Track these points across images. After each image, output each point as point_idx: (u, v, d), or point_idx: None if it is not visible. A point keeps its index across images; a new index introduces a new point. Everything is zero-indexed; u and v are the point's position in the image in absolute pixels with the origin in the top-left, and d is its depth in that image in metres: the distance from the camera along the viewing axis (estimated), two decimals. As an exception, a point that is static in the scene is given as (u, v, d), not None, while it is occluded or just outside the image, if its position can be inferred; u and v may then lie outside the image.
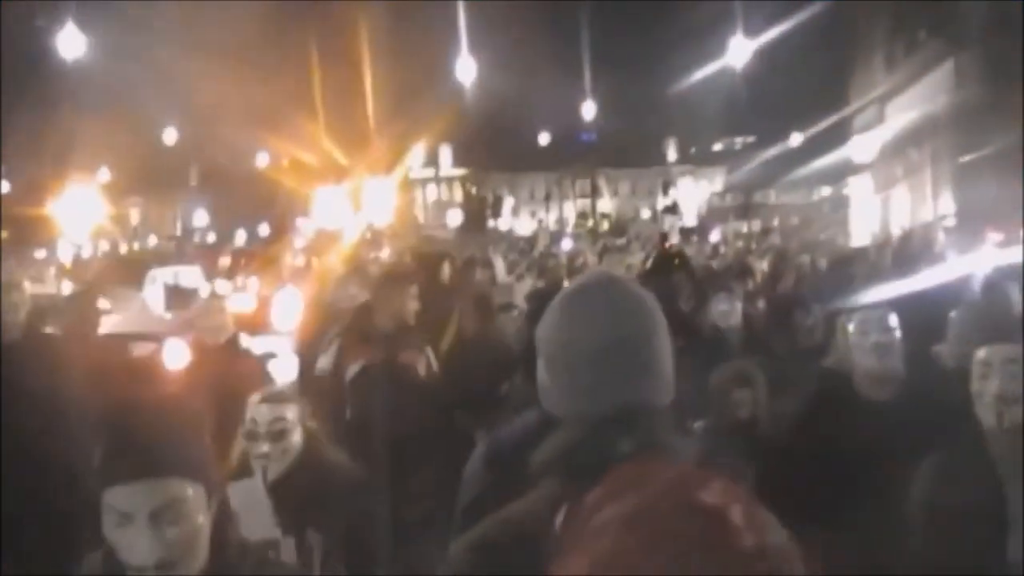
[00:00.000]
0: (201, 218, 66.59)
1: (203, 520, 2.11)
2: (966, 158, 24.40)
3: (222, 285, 19.07)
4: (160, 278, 15.13)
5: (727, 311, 6.84)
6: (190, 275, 17.06)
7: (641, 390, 1.96)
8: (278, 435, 3.78)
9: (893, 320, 4.39)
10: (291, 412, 3.83)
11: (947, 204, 26.28)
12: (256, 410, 3.80)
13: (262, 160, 57.45)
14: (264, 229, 52.86)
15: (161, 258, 26.66)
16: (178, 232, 63.41)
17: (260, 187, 58.93)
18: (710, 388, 5.06)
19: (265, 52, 51.34)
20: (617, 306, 2.00)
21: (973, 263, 11.20)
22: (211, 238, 55.56)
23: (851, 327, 4.45)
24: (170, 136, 45.12)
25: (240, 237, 54.09)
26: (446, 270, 8.02)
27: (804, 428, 4.40)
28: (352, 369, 5.63)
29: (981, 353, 3.46)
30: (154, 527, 2.02)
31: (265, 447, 3.77)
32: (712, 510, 1.80)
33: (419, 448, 5.29)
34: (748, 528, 1.80)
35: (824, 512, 3.41)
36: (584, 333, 1.98)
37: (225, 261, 24.84)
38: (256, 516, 3.52)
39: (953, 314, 4.85)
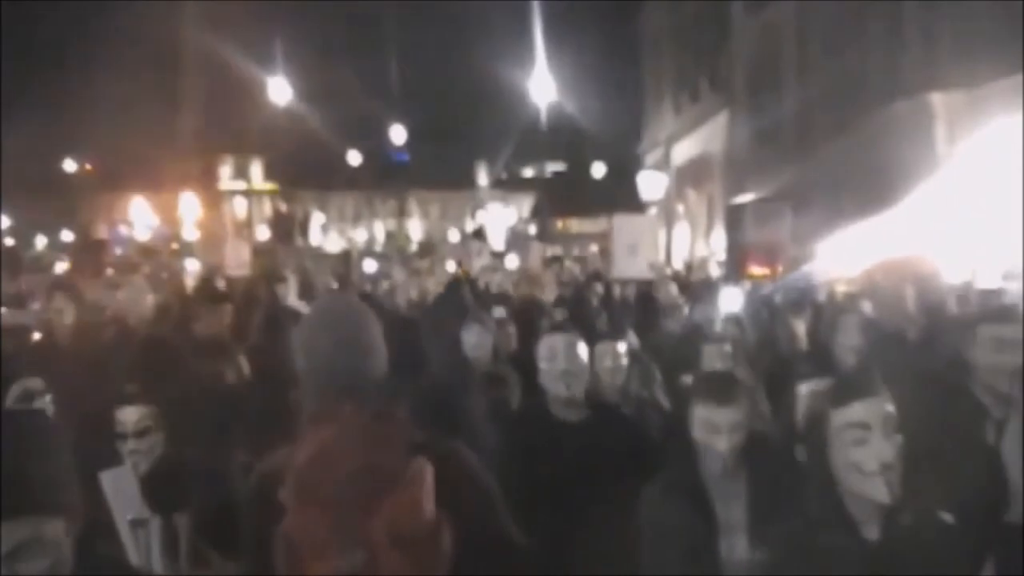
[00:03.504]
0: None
1: (65, 550, 2.09)
2: (734, 200, 26.28)
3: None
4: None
5: (476, 343, 6.67)
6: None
7: (355, 372, 2.78)
8: (143, 432, 4.06)
9: (581, 348, 4.50)
10: (151, 413, 4.11)
11: (719, 241, 28.24)
12: (122, 412, 4.09)
13: (68, 166, 55.96)
14: (67, 235, 51.46)
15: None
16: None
17: (64, 193, 57.20)
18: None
19: (75, 53, 50.11)
20: (342, 317, 2.89)
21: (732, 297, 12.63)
22: (8, 242, 53.52)
23: (540, 352, 4.56)
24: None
25: (40, 242, 52.49)
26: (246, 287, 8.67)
27: (506, 442, 4.45)
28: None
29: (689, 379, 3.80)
30: (11, 566, 2.01)
31: (133, 444, 4.04)
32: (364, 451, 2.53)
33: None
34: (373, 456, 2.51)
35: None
36: (321, 334, 2.83)
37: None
38: (127, 500, 3.91)
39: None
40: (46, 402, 4.75)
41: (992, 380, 4.07)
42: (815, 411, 2.96)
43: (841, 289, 15.76)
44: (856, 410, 2.81)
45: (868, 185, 16.37)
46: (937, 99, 16.94)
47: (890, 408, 2.82)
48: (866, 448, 2.77)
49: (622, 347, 5.07)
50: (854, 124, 19.09)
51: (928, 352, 5.92)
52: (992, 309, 5.17)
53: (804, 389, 3.72)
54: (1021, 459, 3.79)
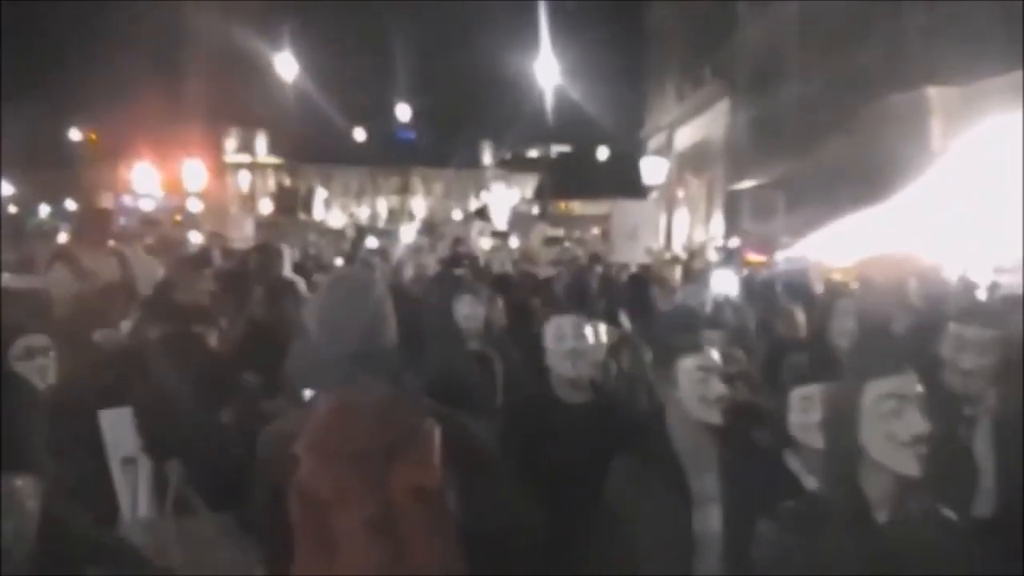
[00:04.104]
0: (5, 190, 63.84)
1: (31, 507, 2.10)
2: (734, 187, 26.53)
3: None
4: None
5: (469, 314, 6.77)
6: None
7: (369, 342, 2.92)
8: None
9: (587, 328, 4.62)
10: None
11: (717, 227, 28.60)
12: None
13: (73, 135, 55.95)
14: (70, 205, 51.54)
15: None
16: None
17: (68, 162, 57.21)
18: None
19: (80, 23, 50.10)
20: (357, 291, 3.03)
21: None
22: (11, 211, 53.44)
23: (547, 333, 4.64)
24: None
25: (44, 211, 52.56)
26: (248, 257, 8.58)
27: (509, 424, 4.54)
28: (151, 335, 5.90)
29: (686, 363, 3.67)
30: None
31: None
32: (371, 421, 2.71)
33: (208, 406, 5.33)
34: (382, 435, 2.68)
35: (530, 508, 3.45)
36: (337, 306, 2.98)
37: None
38: (123, 440, 3.98)
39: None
40: (49, 359, 4.77)
41: (954, 379, 4.13)
42: (846, 386, 2.92)
43: (836, 277, 16.06)
44: (895, 382, 2.83)
45: (863, 177, 16.61)
46: (933, 94, 17.20)
47: (920, 387, 2.85)
48: (901, 420, 2.79)
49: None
50: (852, 117, 19.30)
51: (912, 346, 5.98)
52: (962, 308, 5.17)
53: (799, 394, 3.72)
54: (991, 457, 3.87)
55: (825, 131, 21.12)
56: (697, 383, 3.63)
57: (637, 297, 11.07)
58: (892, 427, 2.79)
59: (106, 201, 40.32)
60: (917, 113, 17.23)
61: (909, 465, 2.77)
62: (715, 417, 3.59)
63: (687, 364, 3.67)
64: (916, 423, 2.78)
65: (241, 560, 3.50)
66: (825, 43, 22.53)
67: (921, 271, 11.52)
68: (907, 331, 6.45)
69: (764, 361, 6.42)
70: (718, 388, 3.61)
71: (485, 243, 28.16)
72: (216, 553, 3.78)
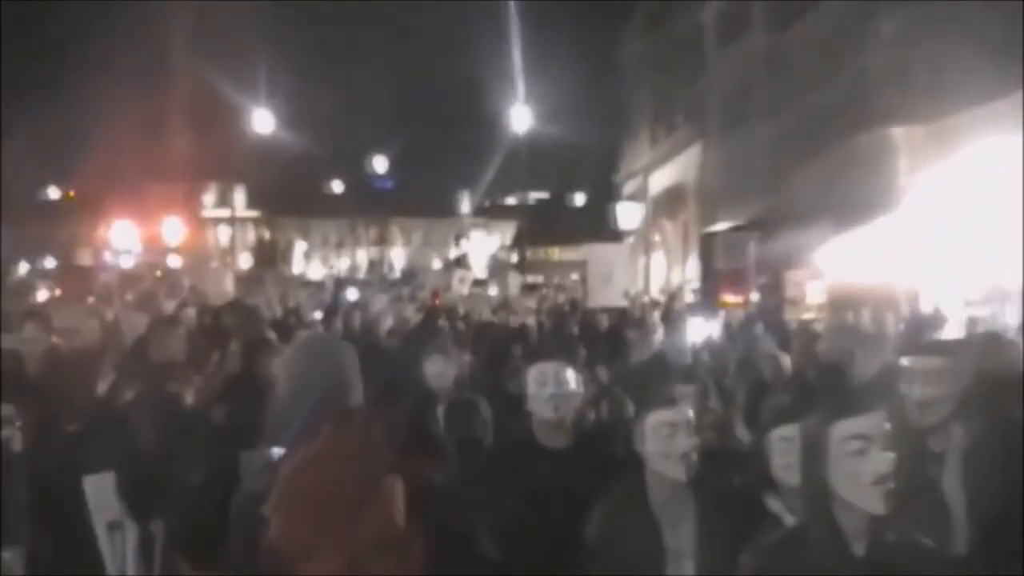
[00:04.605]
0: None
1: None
2: (707, 230, 26.74)
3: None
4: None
5: (439, 373, 6.75)
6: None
7: (336, 404, 3.05)
8: None
9: (570, 374, 4.65)
10: None
11: (693, 269, 28.79)
12: None
13: (52, 192, 56.00)
14: (49, 262, 51.42)
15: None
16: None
17: (48, 219, 57.15)
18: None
19: (59, 80, 50.26)
20: (323, 353, 3.21)
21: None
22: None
23: (530, 378, 4.67)
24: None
25: (23, 269, 52.38)
26: (221, 315, 8.63)
27: (487, 467, 4.63)
28: (127, 395, 5.95)
29: (659, 417, 3.70)
30: None
31: None
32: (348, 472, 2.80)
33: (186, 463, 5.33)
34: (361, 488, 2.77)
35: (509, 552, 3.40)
36: (306, 370, 3.14)
37: None
38: (107, 504, 4.10)
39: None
40: (14, 429, 4.61)
41: (913, 413, 4.04)
42: (814, 427, 2.97)
43: (807, 316, 16.27)
44: (859, 422, 2.86)
45: (832, 215, 16.86)
46: (898, 133, 17.52)
47: (887, 425, 2.89)
48: (865, 459, 2.82)
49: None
50: (819, 156, 19.61)
51: (880, 384, 5.74)
52: (918, 342, 5.24)
53: (779, 434, 3.73)
54: (961, 493, 3.81)
55: (794, 171, 21.42)
56: (664, 439, 3.67)
57: (615, 346, 11.15)
58: (858, 467, 2.83)
59: (85, 258, 40.22)
60: (883, 152, 17.54)
61: (876, 504, 2.82)
62: (680, 473, 3.63)
63: (654, 420, 3.71)
64: (880, 463, 2.82)
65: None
66: (791, 84, 22.90)
67: (889, 304, 11.75)
68: (878, 369, 6.40)
69: (747, 404, 6.53)
70: (683, 444, 3.64)
71: (465, 291, 28.24)
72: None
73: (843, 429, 2.88)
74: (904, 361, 4.17)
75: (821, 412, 2.98)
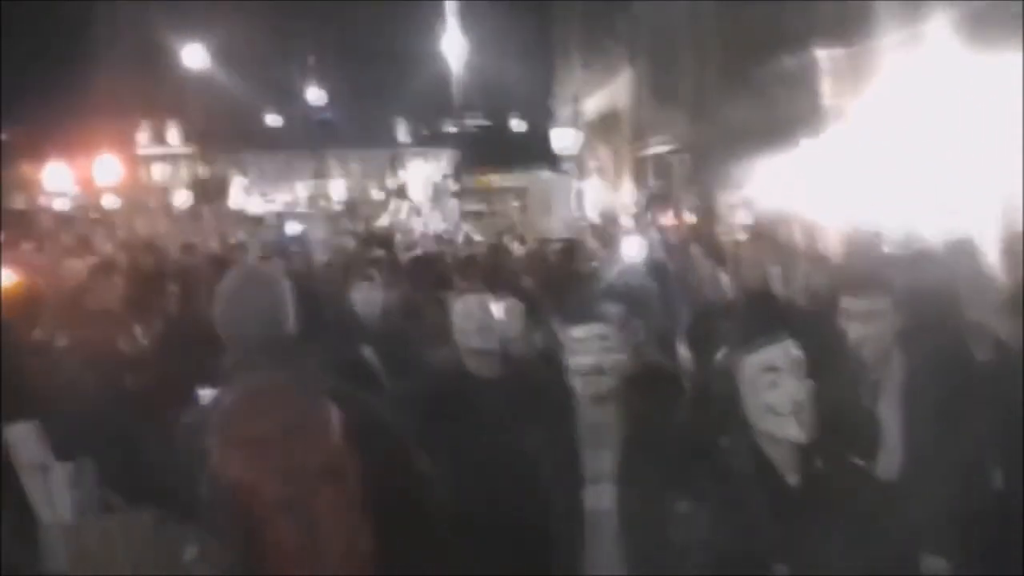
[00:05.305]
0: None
1: None
2: (640, 154, 26.85)
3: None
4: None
5: (365, 299, 6.87)
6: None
7: (268, 336, 3.11)
8: None
9: (494, 306, 4.87)
10: None
11: (628, 194, 29.10)
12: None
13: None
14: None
15: None
16: None
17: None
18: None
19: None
20: (254, 288, 3.22)
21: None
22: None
23: (455, 310, 4.85)
24: None
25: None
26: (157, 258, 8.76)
27: (419, 397, 4.68)
28: (63, 342, 6.04)
29: (576, 332, 3.69)
30: None
31: None
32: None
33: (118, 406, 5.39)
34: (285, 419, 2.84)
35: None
36: (236, 305, 3.17)
37: None
38: (31, 450, 4.10)
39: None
40: None
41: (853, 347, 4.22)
42: (726, 363, 3.05)
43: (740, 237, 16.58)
44: (767, 355, 2.90)
45: (759, 139, 17.11)
46: (822, 55, 17.74)
47: (797, 352, 2.93)
48: (779, 390, 2.86)
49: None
50: (746, 77, 19.76)
51: (802, 315, 6.21)
52: (850, 278, 5.20)
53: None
54: (898, 420, 4.01)
55: (721, 94, 21.59)
56: (577, 355, 3.69)
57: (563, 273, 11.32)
58: (771, 399, 2.89)
59: (19, 202, 39.58)
60: (807, 74, 17.76)
61: (794, 432, 2.87)
62: (589, 388, 3.65)
63: (571, 335, 3.74)
64: (793, 391, 2.87)
65: (166, 553, 3.57)
66: (716, 6, 22.89)
67: (812, 234, 12.04)
68: (800, 296, 6.79)
69: (691, 325, 6.79)
70: (587, 360, 3.62)
71: (406, 220, 28.23)
72: (141, 549, 3.86)
73: (754, 362, 2.94)
74: (843, 300, 4.34)
75: (731, 347, 3.12)
